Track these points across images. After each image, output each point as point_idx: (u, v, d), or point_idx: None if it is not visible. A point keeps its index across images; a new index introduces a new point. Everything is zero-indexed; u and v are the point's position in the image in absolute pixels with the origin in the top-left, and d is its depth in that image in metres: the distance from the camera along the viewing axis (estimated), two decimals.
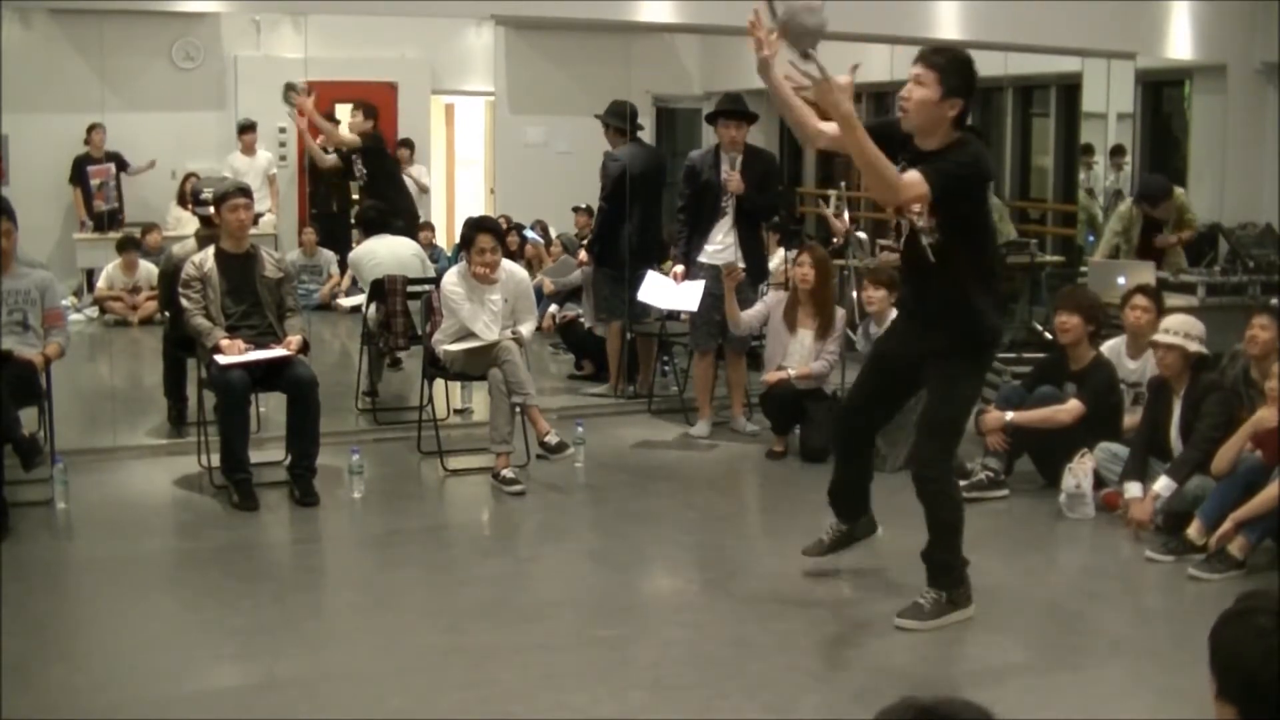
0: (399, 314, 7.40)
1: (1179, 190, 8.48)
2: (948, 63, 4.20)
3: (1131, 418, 6.18)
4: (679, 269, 7.35)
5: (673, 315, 7.88)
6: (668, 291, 7.37)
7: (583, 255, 8.91)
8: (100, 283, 10.13)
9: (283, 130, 10.15)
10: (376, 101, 9.62)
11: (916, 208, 4.27)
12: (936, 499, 4.51)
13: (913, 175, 4.10)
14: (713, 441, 7.38)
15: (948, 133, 4.23)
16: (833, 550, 5.00)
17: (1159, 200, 8.20)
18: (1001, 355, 8.00)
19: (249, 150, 10.12)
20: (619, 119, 8.09)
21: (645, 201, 8.03)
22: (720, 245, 7.24)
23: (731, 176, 7.14)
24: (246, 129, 10.06)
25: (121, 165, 9.99)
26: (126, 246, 9.99)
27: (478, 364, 6.45)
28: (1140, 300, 6.40)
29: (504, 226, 8.38)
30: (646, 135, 9.22)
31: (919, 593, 4.58)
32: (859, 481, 4.88)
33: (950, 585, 4.56)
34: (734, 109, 7.28)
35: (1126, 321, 6.43)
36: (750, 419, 7.46)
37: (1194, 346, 5.69)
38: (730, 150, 7.20)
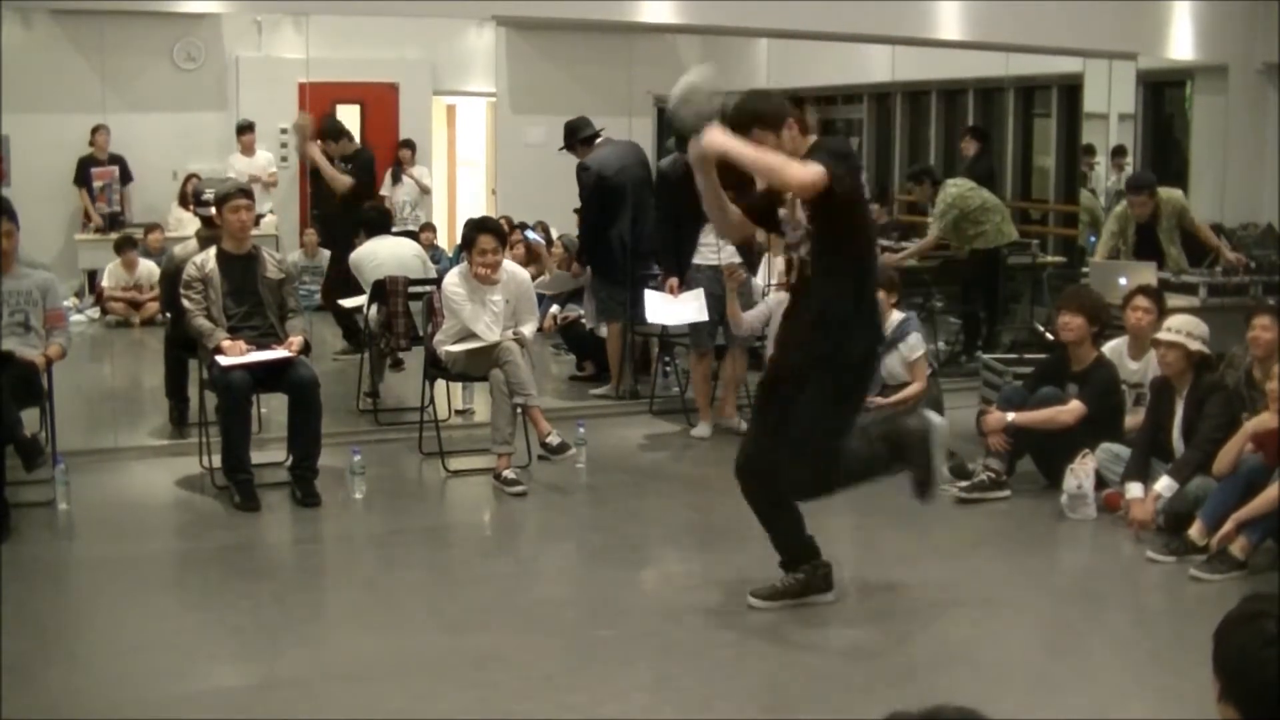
0: (400, 315, 7.40)
1: (1177, 193, 8.44)
2: (750, 110, 4.32)
3: (1133, 418, 6.17)
4: (673, 281, 7.33)
5: None
6: (672, 308, 7.35)
7: (575, 267, 8.92)
8: (105, 280, 10.14)
9: (284, 130, 10.15)
10: (377, 101, 9.63)
11: (799, 215, 4.34)
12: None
13: (809, 163, 4.15)
14: (713, 442, 7.37)
15: (802, 146, 4.33)
16: (784, 598, 4.70)
17: (1137, 190, 8.17)
18: (1002, 355, 8.01)
19: (248, 151, 10.12)
20: (571, 136, 8.07)
21: (634, 195, 7.98)
22: (714, 244, 7.22)
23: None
24: (245, 129, 10.06)
25: (125, 173, 10.00)
26: (124, 246, 10.00)
27: (479, 365, 6.45)
28: (1141, 301, 6.40)
29: (506, 227, 8.37)
30: (645, 135, 9.22)
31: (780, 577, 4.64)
32: (792, 529, 4.71)
33: (800, 566, 4.63)
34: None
35: (1128, 322, 6.43)
36: (743, 418, 7.43)
37: (1196, 345, 5.68)
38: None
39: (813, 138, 4.42)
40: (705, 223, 7.23)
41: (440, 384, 7.00)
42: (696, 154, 4.23)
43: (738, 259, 7.18)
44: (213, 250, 6.24)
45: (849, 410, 4.53)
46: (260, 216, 8.57)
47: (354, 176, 8.85)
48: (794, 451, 4.42)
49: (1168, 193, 8.27)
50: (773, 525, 4.72)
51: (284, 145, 10.26)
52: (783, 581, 4.70)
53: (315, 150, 8.78)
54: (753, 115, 4.32)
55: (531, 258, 9.94)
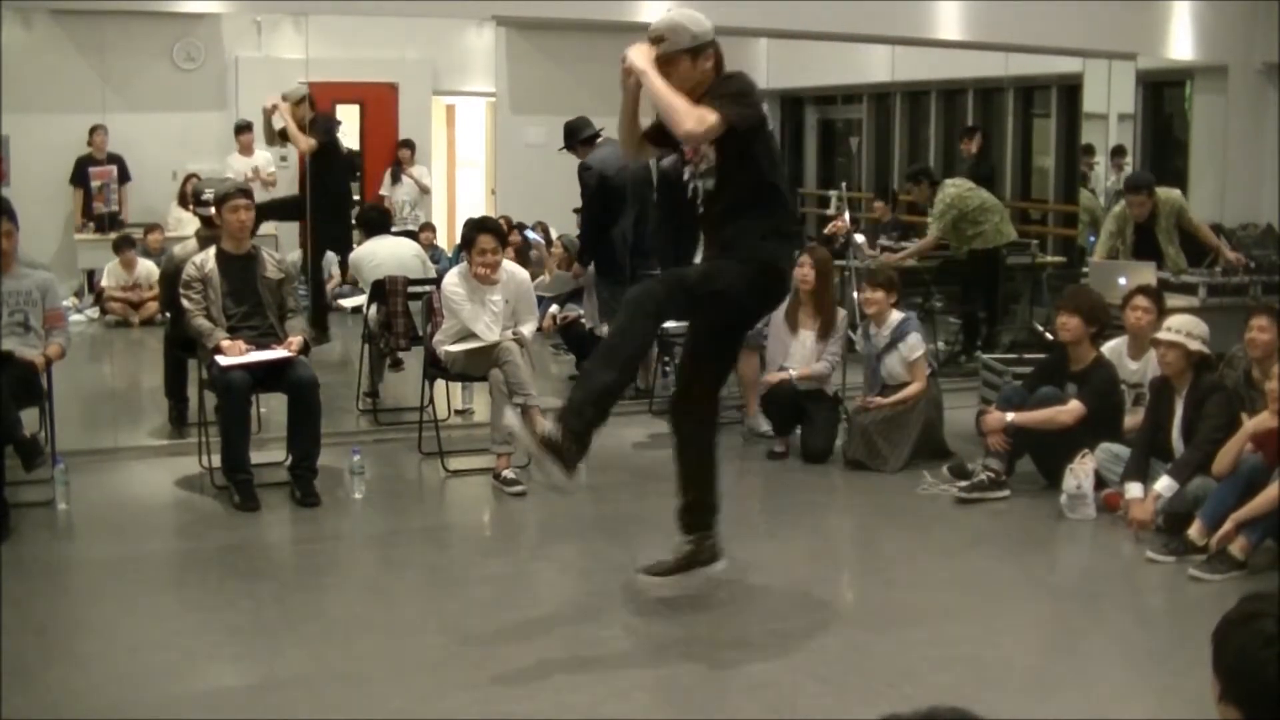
0: (400, 315, 7.40)
1: (1175, 192, 8.43)
2: (668, 30, 4.35)
3: (1132, 418, 6.18)
4: None
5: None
6: None
7: (576, 268, 8.91)
8: (105, 280, 10.15)
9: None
10: (377, 101, 9.63)
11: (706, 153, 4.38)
12: (623, 324, 4.33)
13: (704, 109, 4.20)
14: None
15: (709, 78, 4.38)
16: (676, 572, 4.73)
17: (1136, 190, 8.17)
18: (1002, 355, 8.01)
19: (246, 151, 10.12)
20: (572, 137, 8.08)
21: (635, 194, 7.98)
22: None
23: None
24: (243, 129, 10.06)
25: (123, 172, 10.00)
26: (123, 246, 10.01)
27: (479, 364, 6.45)
28: (1141, 301, 6.40)
29: (505, 227, 8.38)
30: None
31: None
32: (702, 479, 4.73)
33: (569, 426, 4.24)
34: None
35: (1127, 322, 6.43)
36: (766, 420, 7.41)
37: (1195, 345, 5.68)
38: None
39: (727, 72, 4.45)
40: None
41: (440, 384, 7.00)
42: (623, 66, 4.35)
43: None
44: (212, 250, 6.24)
45: (743, 297, 4.45)
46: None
47: (315, 139, 8.83)
48: (681, 278, 4.46)
49: (1166, 192, 8.26)
50: (685, 460, 4.75)
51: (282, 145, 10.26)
52: (673, 555, 4.72)
53: (285, 109, 8.74)
54: (684, 35, 4.35)
55: (522, 260, 9.96)
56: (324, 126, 9.00)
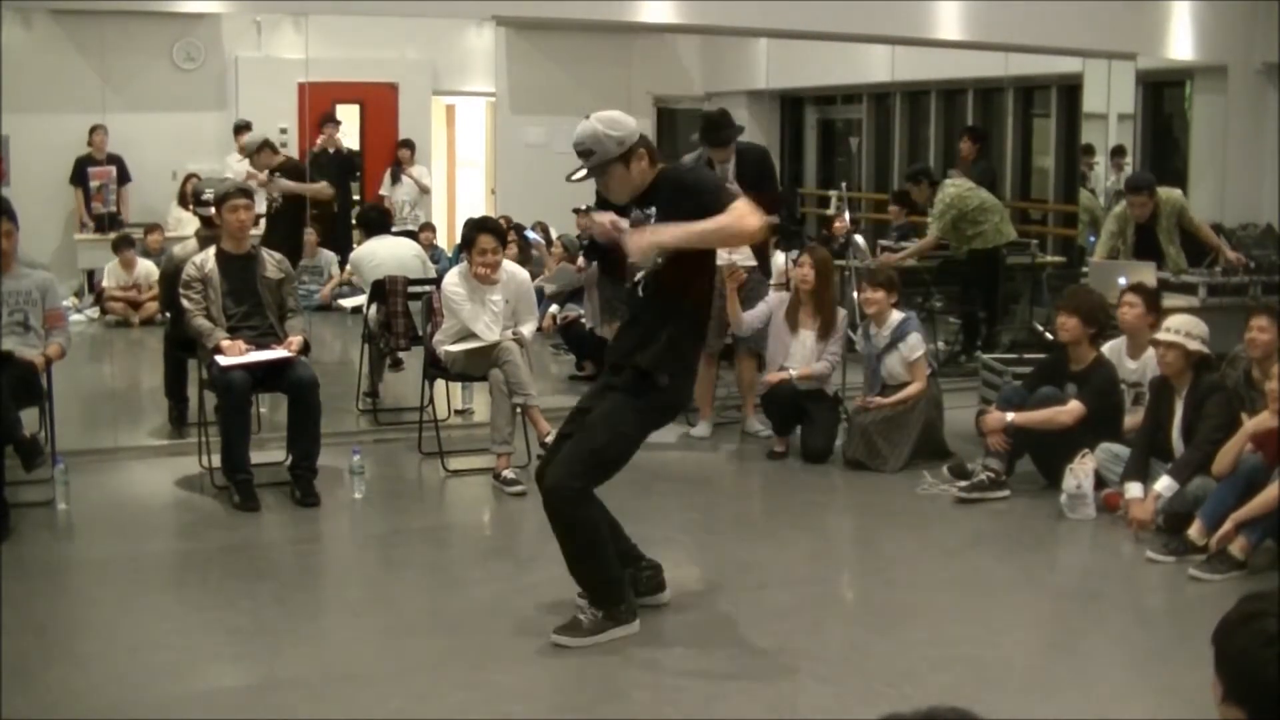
0: (400, 314, 7.40)
1: (1176, 192, 8.43)
2: (592, 143, 4.19)
3: (1132, 418, 6.18)
4: None
5: None
6: None
7: (580, 261, 8.89)
8: (106, 280, 10.15)
9: (284, 130, 10.16)
10: (376, 101, 9.62)
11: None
12: (565, 521, 4.29)
13: (736, 204, 4.09)
14: (714, 442, 7.38)
15: (649, 175, 4.26)
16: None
17: (1137, 190, 8.18)
18: (1002, 355, 8.01)
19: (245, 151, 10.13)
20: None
21: None
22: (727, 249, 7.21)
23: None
24: (242, 129, 10.07)
25: (123, 173, 10.00)
26: (122, 246, 10.01)
27: (479, 364, 6.45)
28: (1129, 297, 6.40)
29: (505, 227, 8.37)
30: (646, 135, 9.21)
31: (577, 608, 4.36)
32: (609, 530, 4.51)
33: (607, 603, 4.33)
34: (716, 138, 7.16)
35: (1119, 319, 6.44)
36: (762, 421, 7.42)
37: (1194, 345, 5.68)
38: (721, 162, 7.18)
39: (660, 166, 4.32)
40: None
41: (440, 384, 7.00)
42: (640, 256, 4.15)
43: (738, 258, 7.17)
44: (212, 250, 6.24)
45: (638, 430, 4.37)
46: (259, 216, 8.56)
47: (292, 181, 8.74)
48: (580, 455, 4.31)
49: (1167, 192, 8.26)
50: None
51: (283, 145, 10.26)
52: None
53: (284, 183, 8.68)
54: (612, 144, 4.19)
55: (525, 261, 9.95)
56: (296, 171, 8.95)
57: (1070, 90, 10.53)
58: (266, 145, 8.76)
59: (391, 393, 8.08)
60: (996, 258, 9.24)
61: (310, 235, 10.30)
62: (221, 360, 5.92)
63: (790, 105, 12.88)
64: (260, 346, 6.09)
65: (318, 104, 9.56)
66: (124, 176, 10.04)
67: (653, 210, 4.25)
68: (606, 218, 4.28)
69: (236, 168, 9.86)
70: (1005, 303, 9.77)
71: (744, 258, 7.20)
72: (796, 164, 13.02)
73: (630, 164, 4.23)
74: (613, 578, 4.38)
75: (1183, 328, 5.76)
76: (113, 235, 10.08)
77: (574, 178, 4.33)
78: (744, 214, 4.08)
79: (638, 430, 4.36)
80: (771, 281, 7.87)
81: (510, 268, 6.73)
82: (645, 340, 4.26)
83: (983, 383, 7.74)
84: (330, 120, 10.49)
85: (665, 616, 4.72)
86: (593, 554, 4.35)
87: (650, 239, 4.08)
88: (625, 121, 4.24)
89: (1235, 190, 9.89)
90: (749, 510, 6.59)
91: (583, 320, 9.15)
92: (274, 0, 9.07)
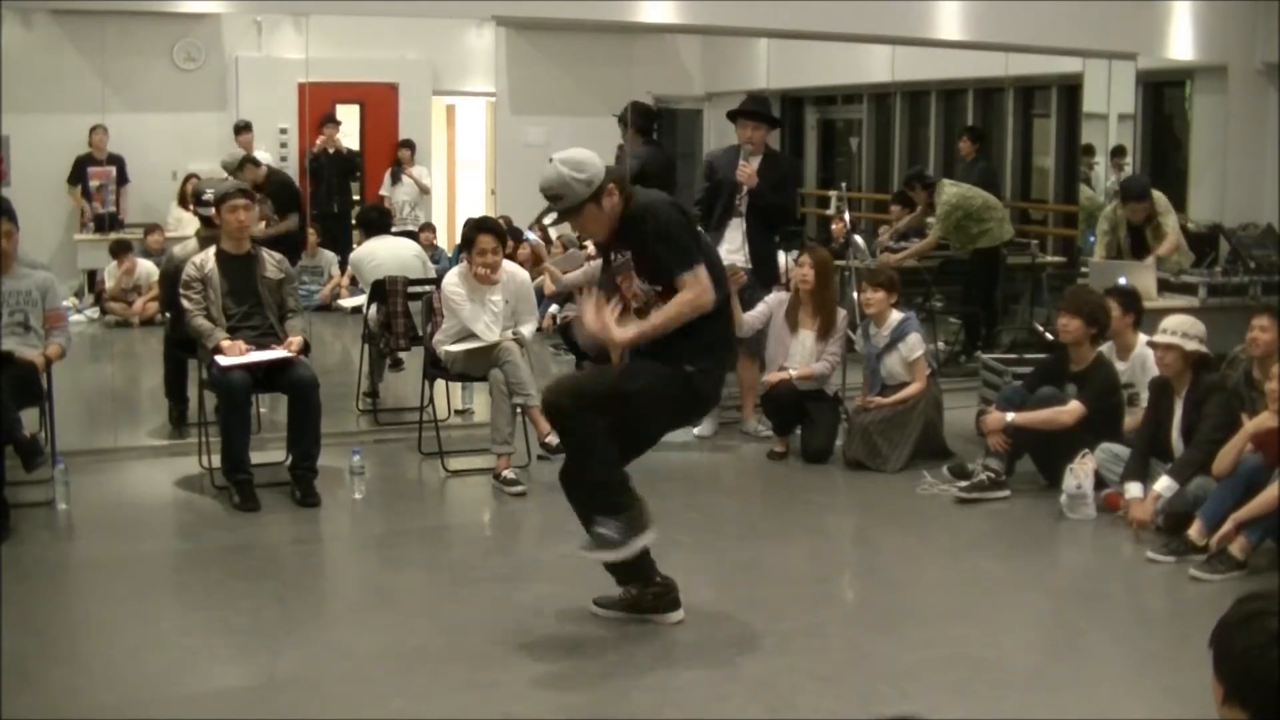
0: (400, 315, 7.40)
1: (1158, 195, 8.42)
2: (560, 188, 4.21)
3: (1132, 418, 6.18)
4: None
5: None
6: None
7: (590, 248, 8.88)
8: (108, 281, 10.15)
9: (283, 130, 10.16)
10: (376, 101, 9.60)
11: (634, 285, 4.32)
12: (574, 430, 4.26)
13: (686, 276, 4.16)
14: (715, 442, 7.38)
15: (620, 211, 4.27)
16: (622, 610, 4.58)
17: (1128, 199, 8.18)
18: (1002, 355, 8.01)
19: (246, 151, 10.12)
20: (645, 119, 8.09)
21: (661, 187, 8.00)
22: (733, 245, 7.22)
23: (744, 168, 7.14)
24: (242, 129, 10.07)
25: (122, 174, 9.99)
26: (120, 250, 10.00)
27: (479, 365, 6.45)
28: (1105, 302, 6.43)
29: (504, 228, 8.37)
30: None
31: (598, 524, 4.28)
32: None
33: (618, 509, 4.26)
34: (753, 109, 7.30)
35: None
36: (761, 421, 7.43)
37: (1191, 345, 5.68)
38: (749, 150, 7.21)
39: (631, 198, 4.32)
40: (732, 219, 7.23)
41: (440, 384, 7.00)
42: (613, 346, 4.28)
43: (739, 260, 7.18)
44: (212, 250, 6.24)
45: (663, 403, 4.35)
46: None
47: (274, 199, 8.63)
48: (591, 384, 4.38)
49: (1155, 194, 8.31)
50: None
51: (283, 145, 10.27)
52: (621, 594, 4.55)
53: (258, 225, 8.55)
54: (582, 186, 4.20)
55: (536, 260, 9.95)
56: (284, 185, 8.86)
57: (1070, 90, 10.52)
58: (248, 161, 8.73)
59: (391, 393, 8.08)
60: (997, 257, 9.26)
61: (310, 235, 10.31)
62: (221, 360, 5.92)
63: (790, 105, 12.87)
64: (260, 346, 6.09)
65: (318, 104, 9.55)
66: (122, 178, 10.03)
67: (628, 254, 4.29)
68: (588, 315, 4.28)
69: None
70: (1005, 303, 9.77)
71: (745, 260, 7.21)
72: (796, 164, 13.01)
73: (602, 202, 4.22)
74: (617, 481, 4.29)
75: (1179, 328, 5.75)
76: (113, 236, 10.08)
77: (545, 222, 4.34)
78: (703, 289, 4.17)
79: (664, 390, 4.28)
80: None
81: (510, 268, 6.73)
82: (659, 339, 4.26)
83: (983, 383, 7.74)
84: (330, 120, 10.50)
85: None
86: (602, 463, 4.26)
87: (627, 336, 4.20)
88: (590, 162, 4.23)
89: (1235, 190, 9.88)
90: (749, 510, 6.59)
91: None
92: (274, 0, 9.07)
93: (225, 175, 8.72)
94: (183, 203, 10.03)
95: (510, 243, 9.39)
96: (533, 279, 7.40)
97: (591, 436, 4.24)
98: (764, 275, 7.35)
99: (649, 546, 4.43)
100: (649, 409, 4.34)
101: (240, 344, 6.02)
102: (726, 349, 4.53)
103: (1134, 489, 5.65)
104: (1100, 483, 5.92)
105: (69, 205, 10.12)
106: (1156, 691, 4.10)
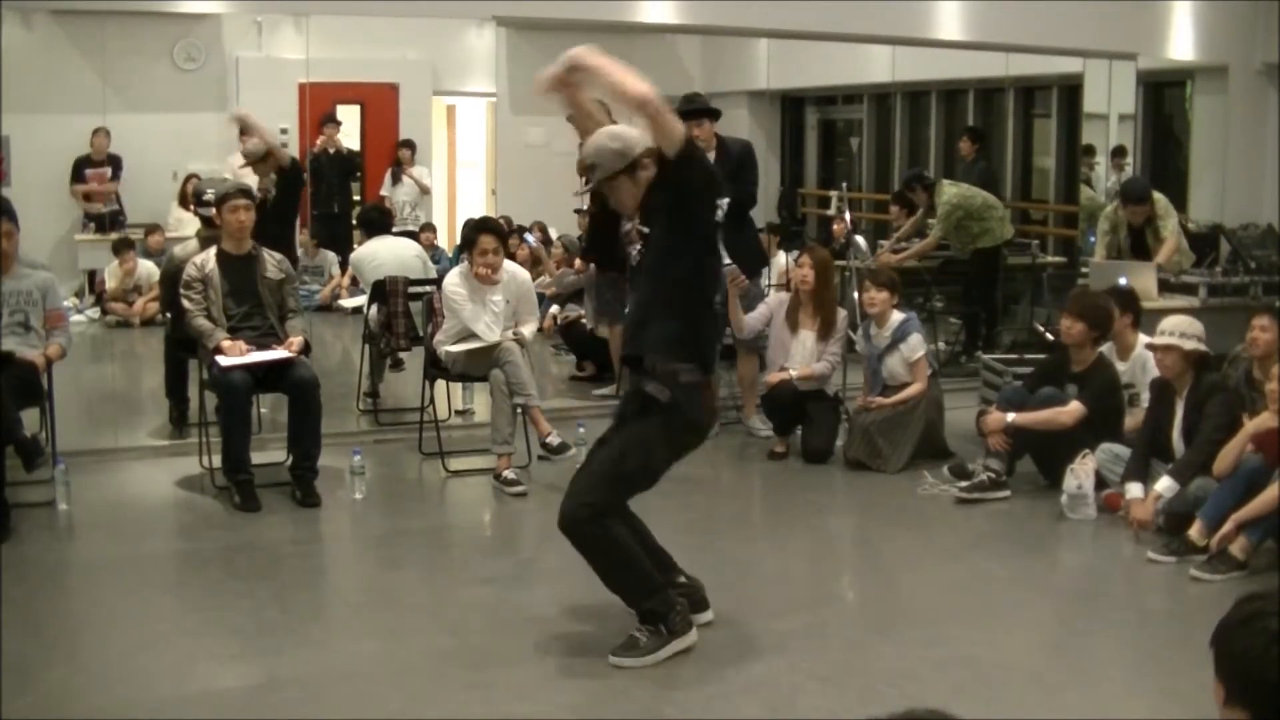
0: (400, 315, 7.41)
1: (1158, 197, 8.41)
2: (595, 156, 4.21)
3: (1132, 419, 6.18)
4: None
5: None
6: None
7: (578, 263, 8.89)
8: (109, 281, 10.16)
9: (284, 131, 10.15)
10: (377, 102, 9.60)
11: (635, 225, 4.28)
12: (583, 540, 4.17)
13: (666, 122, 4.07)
14: (715, 442, 7.36)
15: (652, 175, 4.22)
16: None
17: (1128, 201, 8.18)
18: (1002, 355, 8.01)
19: None
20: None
21: None
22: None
23: None
24: (243, 130, 10.06)
25: (117, 172, 9.99)
26: (122, 248, 10.01)
27: (479, 365, 6.45)
28: None
29: (505, 228, 8.37)
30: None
31: (634, 628, 4.22)
32: (640, 543, 4.36)
33: (654, 617, 4.21)
34: (691, 108, 7.19)
35: None
36: (762, 420, 7.41)
37: (1190, 345, 5.68)
38: (703, 148, 7.14)
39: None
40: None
41: (440, 384, 7.00)
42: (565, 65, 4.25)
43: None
44: (213, 250, 6.24)
45: (666, 457, 4.29)
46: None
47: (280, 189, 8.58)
48: (606, 478, 4.22)
49: (1156, 196, 8.30)
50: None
51: (284, 145, 10.25)
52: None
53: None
54: (617, 159, 4.19)
55: (535, 260, 9.95)
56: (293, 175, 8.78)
57: (1071, 90, 10.52)
58: (270, 156, 8.68)
59: (392, 393, 8.08)
60: (998, 257, 9.27)
61: (303, 237, 10.31)
62: (222, 360, 5.92)
63: (791, 105, 12.88)
64: (261, 347, 6.09)
65: (318, 104, 9.55)
66: (115, 176, 10.01)
67: (648, 230, 4.24)
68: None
69: (236, 167, 9.86)
70: (1006, 303, 9.77)
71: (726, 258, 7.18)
72: (797, 164, 13.02)
73: (635, 175, 4.20)
74: (651, 588, 4.24)
75: (1178, 329, 5.75)
76: (113, 236, 10.08)
77: (577, 192, 4.32)
78: (674, 118, 4.09)
79: (657, 445, 4.25)
80: (772, 283, 7.87)
81: (511, 268, 6.73)
82: (644, 319, 4.22)
83: (983, 383, 7.74)
84: (331, 121, 10.50)
85: None
86: (624, 569, 4.23)
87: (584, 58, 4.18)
88: (628, 135, 4.23)
89: (1235, 190, 9.89)
90: (749, 510, 6.59)
91: (583, 321, 9.15)
92: (274, 0, 9.07)
93: (225, 176, 8.72)
94: (183, 203, 10.04)
95: (510, 241, 9.42)
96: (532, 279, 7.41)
97: (619, 555, 4.20)
98: (748, 266, 7.26)
99: (658, 552, 4.41)
100: (650, 463, 4.29)
101: (241, 344, 6.02)
102: (712, 351, 4.40)
103: (1135, 489, 5.65)
104: (1101, 483, 5.92)
105: (69, 205, 10.13)
106: (1156, 692, 4.10)
